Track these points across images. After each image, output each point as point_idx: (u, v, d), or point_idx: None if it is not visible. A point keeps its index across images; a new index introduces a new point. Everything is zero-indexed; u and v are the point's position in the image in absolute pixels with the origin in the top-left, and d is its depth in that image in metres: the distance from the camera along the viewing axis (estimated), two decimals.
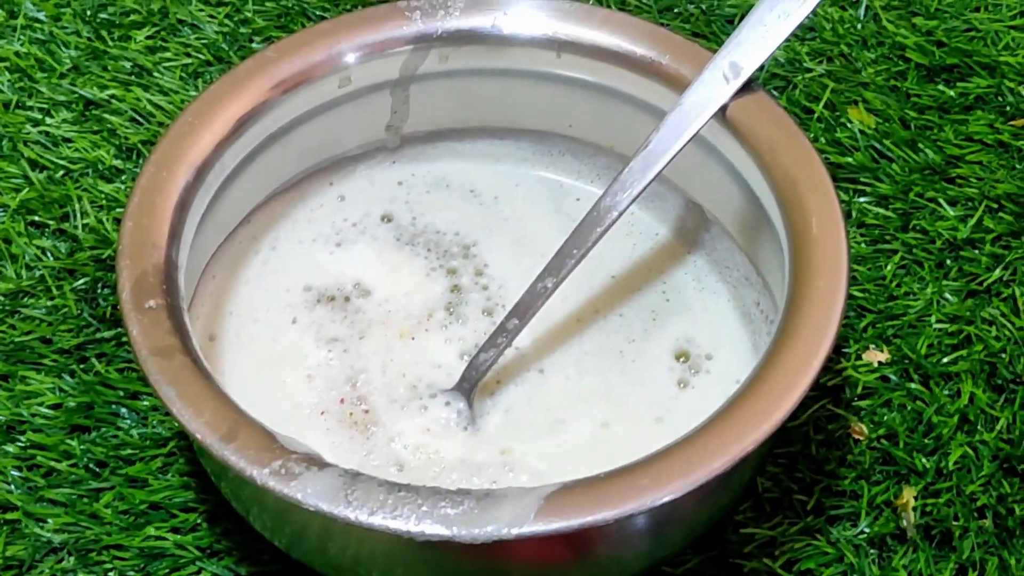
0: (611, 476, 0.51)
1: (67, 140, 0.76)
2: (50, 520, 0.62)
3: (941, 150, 0.75)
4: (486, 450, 0.62)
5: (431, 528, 0.50)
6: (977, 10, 0.82)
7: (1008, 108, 0.77)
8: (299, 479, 0.51)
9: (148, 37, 0.81)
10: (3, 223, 0.72)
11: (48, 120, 0.76)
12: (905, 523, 0.62)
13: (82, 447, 0.64)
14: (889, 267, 0.70)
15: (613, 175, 0.68)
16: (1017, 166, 0.74)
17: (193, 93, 0.78)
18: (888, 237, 0.71)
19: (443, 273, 0.68)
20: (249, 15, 0.82)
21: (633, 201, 0.61)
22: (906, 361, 0.67)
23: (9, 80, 0.78)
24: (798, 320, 0.56)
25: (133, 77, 0.79)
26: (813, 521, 0.62)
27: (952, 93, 0.77)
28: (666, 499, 0.51)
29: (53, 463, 0.63)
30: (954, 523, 0.62)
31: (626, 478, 0.51)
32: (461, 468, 0.61)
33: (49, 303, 0.69)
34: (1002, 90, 0.77)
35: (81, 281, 0.70)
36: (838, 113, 0.76)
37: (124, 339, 0.67)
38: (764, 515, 0.62)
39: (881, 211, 0.72)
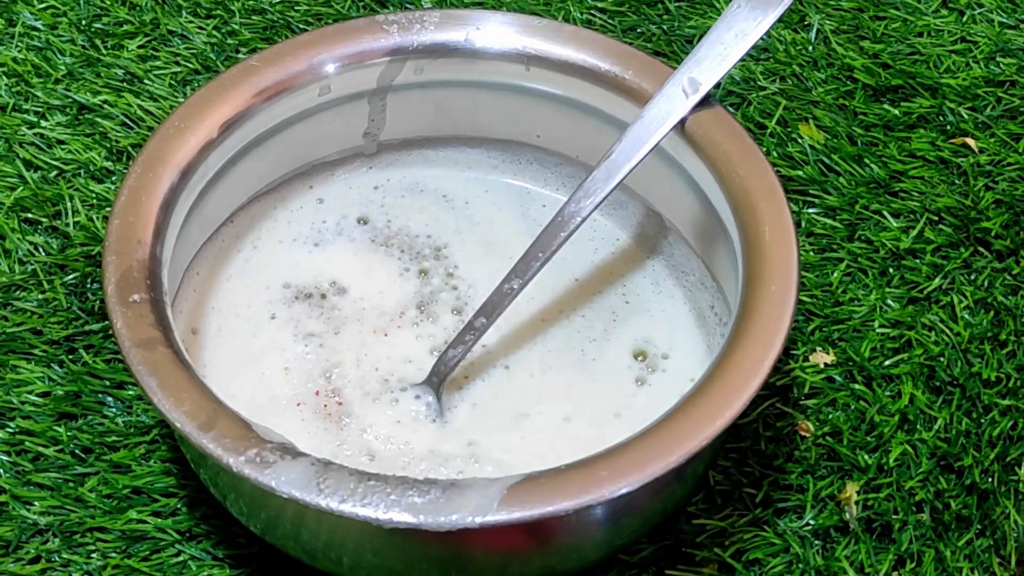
0: (571, 468, 0.50)
1: (61, 142, 0.74)
2: (36, 503, 0.60)
3: (886, 165, 0.74)
4: (453, 441, 0.60)
5: (399, 516, 0.49)
6: (921, 35, 0.81)
7: (948, 127, 0.76)
8: (273, 467, 0.50)
9: (140, 46, 0.79)
10: None
11: (43, 123, 0.75)
12: (848, 516, 0.61)
13: (69, 434, 0.62)
14: (836, 274, 0.69)
15: (578, 183, 0.67)
16: (956, 181, 0.73)
17: (182, 100, 0.76)
18: (835, 246, 0.71)
19: (415, 273, 0.66)
20: (236, 27, 0.80)
21: (596, 208, 0.60)
22: (850, 363, 0.66)
23: (7, 84, 0.77)
24: (750, 323, 0.55)
25: (125, 84, 0.77)
26: (761, 513, 0.61)
27: (896, 112, 0.76)
28: (623, 491, 0.50)
29: (41, 448, 0.62)
30: (894, 517, 0.61)
31: (586, 470, 0.50)
32: (429, 458, 0.60)
33: (40, 296, 0.67)
34: (943, 110, 0.77)
35: (71, 276, 0.68)
36: (789, 129, 0.76)
37: (111, 331, 0.65)
38: (715, 507, 0.61)
39: (829, 221, 0.71)
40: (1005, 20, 0.82)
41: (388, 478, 0.50)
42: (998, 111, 0.77)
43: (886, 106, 0.77)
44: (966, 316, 0.68)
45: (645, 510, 0.56)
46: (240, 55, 0.79)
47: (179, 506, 0.61)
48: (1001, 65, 0.79)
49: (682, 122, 0.61)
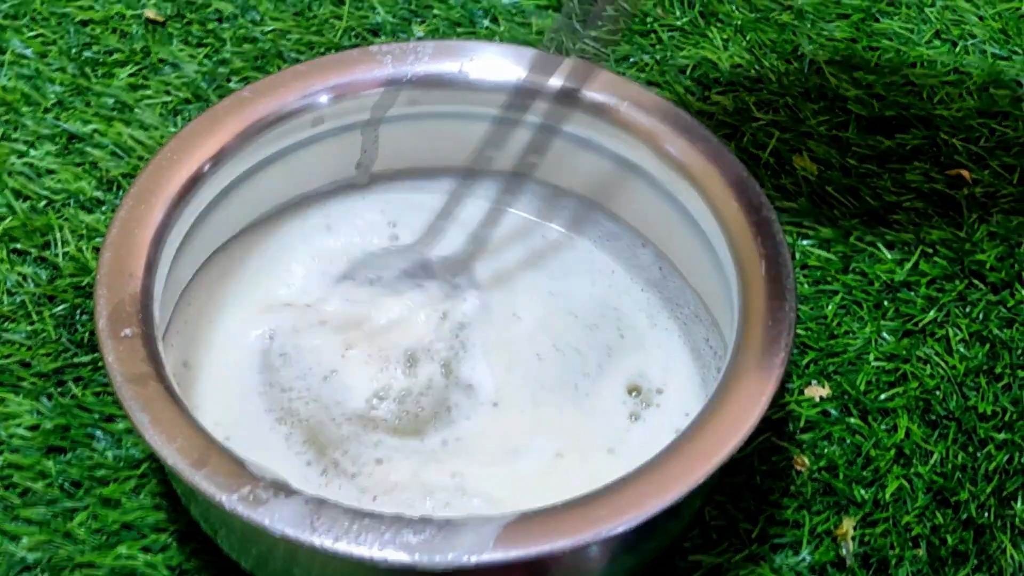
0: (568, 506, 0.50)
1: (50, 172, 0.74)
2: (25, 538, 0.60)
3: (880, 197, 0.74)
4: (439, 471, 0.60)
5: (393, 555, 0.48)
6: (914, 66, 0.81)
7: (943, 159, 0.76)
8: (266, 505, 0.49)
9: (130, 75, 0.79)
10: None
11: (32, 152, 0.75)
12: (844, 552, 0.61)
13: (58, 468, 0.62)
14: (830, 307, 0.69)
15: (572, 214, 0.68)
16: (951, 213, 0.73)
17: (172, 129, 0.76)
18: (829, 278, 0.70)
19: (412, 306, 0.66)
20: (227, 56, 0.80)
21: None
22: (846, 397, 0.66)
23: None
24: (746, 359, 0.55)
25: (115, 113, 0.77)
26: (757, 549, 0.61)
27: (890, 143, 0.76)
28: (620, 530, 0.49)
29: (29, 483, 0.61)
30: (890, 552, 0.61)
31: (583, 509, 0.50)
32: (416, 487, 0.59)
33: (29, 328, 0.67)
34: (937, 142, 0.77)
35: (60, 307, 0.68)
36: (783, 160, 0.75)
37: (100, 364, 0.65)
38: (711, 543, 0.61)
39: (823, 254, 0.71)
40: (998, 51, 0.82)
41: (382, 516, 0.49)
42: (992, 142, 0.77)
43: (880, 137, 0.77)
44: (961, 349, 0.68)
45: (641, 548, 0.56)
46: (231, 84, 0.79)
47: (169, 541, 0.60)
48: (994, 96, 0.80)
49: (678, 157, 0.61)
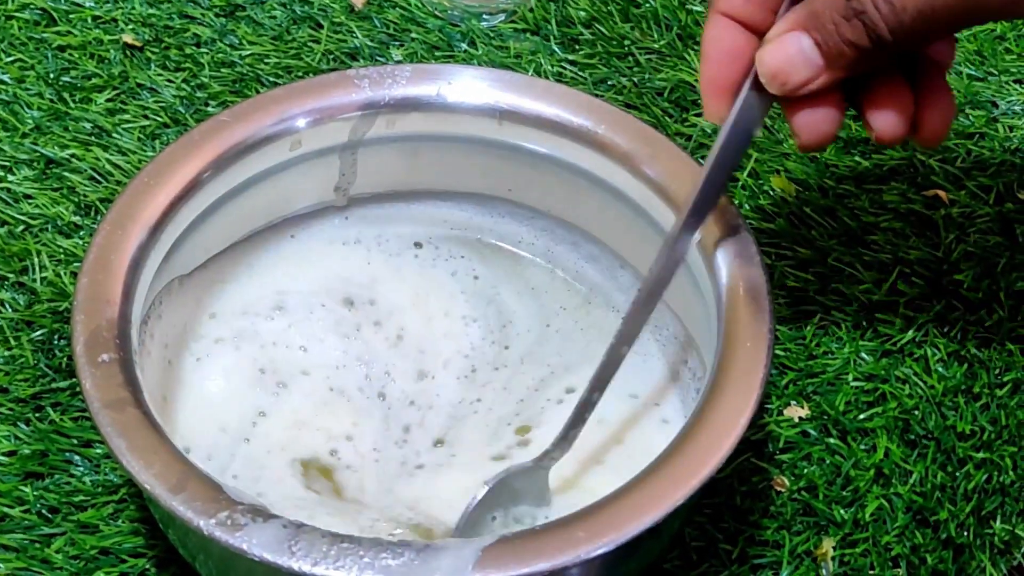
0: (547, 529, 0.50)
1: (28, 197, 0.74)
2: (1, 565, 0.59)
3: (857, 217, 0.74)
4: None
5: None
6: None
7: (919, 179, 0.76)
8: (244, 530, 0.49)
9: (108, 100, 0.79)
10: None
11: (10, 177, 0.74)
12: (824, 572, 0.61)
13: (35, 493, 0.62)
14: (809, 328, 0.69)
15: (549, 237, 0.68)
16: (928, 233, 0.74)
17: (151, 154, 0.76)
18: (808, 299, 0.71)
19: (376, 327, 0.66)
20: (205, 80, 0.80)
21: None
22: (825, 417, 0.66)
23: None
24: (725, 380, 0.55)
25: (93, 137, 0.77)
26: (737, 570, 0.61)
27: (868, 164, 0.77)
28: (600, 552, 0.49)
29: (6, 509, 0.61)
30: (870, 572, 0.61)
31: (561, 531, 0.50)
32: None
33: (7, 353, 0.67)
34: (914, 163, 0.77)
35: (38, 332, 0.67)
36: (761, 181, 0.76)
37: (78, 389, 0.64)
38: (691, 563, 0.61)
39: (801, 274, 0.72)
40: (974, 72, 0.83)
41: (361, 540, 0.49)
42: (968, 163, 0.77)
43: (857, 158, 0.77)
44: (939, 369, 0.68)
45: (621, 569, 0.56)
46: (209, 108, 0.79)
47: (148, 567, 0.60)
48: (971, 117, 0.80)
49: (656, 179, 0.62)
